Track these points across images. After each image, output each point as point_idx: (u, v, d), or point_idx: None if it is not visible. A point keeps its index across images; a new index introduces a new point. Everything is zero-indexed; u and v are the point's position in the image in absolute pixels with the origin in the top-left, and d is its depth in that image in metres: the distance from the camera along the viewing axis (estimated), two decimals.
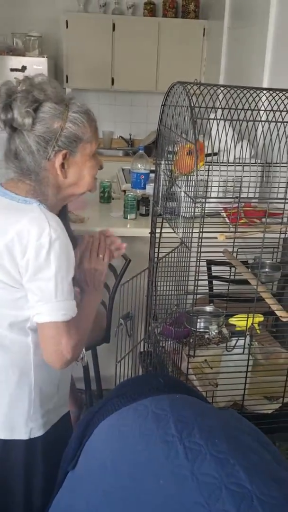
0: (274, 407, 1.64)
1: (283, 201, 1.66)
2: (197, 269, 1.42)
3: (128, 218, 2.68)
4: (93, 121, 1.34)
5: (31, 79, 1.28)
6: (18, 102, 1.23)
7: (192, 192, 1.36)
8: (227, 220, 2.61)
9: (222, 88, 1.43)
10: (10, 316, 1.30)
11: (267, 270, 1.98)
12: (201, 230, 1.38)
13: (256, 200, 2.11)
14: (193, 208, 1.40)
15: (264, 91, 1.43)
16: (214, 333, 1.43)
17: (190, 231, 1.38)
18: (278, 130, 1.44)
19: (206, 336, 1.48)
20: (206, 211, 1.88)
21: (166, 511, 0.83)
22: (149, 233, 1.90)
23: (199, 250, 1.40)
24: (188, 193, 1.40)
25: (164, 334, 1.88)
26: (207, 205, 1.40)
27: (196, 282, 1.43)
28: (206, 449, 0.89)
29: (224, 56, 4.20)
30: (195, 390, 1.14)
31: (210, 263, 2.22)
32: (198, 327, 1.49)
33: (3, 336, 1.32)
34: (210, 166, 1.42)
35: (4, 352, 1.33)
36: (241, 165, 1.38)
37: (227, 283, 2.01)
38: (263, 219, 2.55)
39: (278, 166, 1.66)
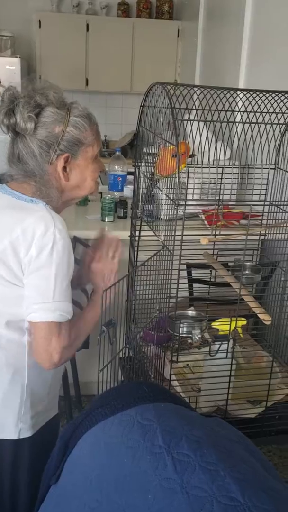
0: (258, 411, 1.62)
1: (263, 203, 1.65)
2: (179, 273, 1.39)
3: (106, 220, 2.64)
4: (94, 124, 1.36)
5: (33, 84, 1.30)
6: (21, 107, 1.25)
7: (174, 195, 1.34)
8: (205, 222, 2.61)
9: (202, 89, 1.41)
10: (8, 314, 1.30)
11: (247, 272, 1.97)
12: (182, 234, 1.36)
13: (235, 203, 2.10)
14: (174, 211, 1.37)
15: (244, 92, 1.41)
16: (197, 338, 1.41)
17: (172, 234, 1.35)
18: (258, 130, 1.42)
19: (189, 341, 1.46)
20: (158, 215, 1.86)
21: None
22: (129, 236, 1.87)
23: (181, 254, 1.37)
24: (169, 195, 1.38)
25: (145, 339, 1.85)
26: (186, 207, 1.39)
27: (177, 285, 1.40)
28: (195, 460, 0.86)
29: (199, 57, 4.20)
30: (181, 398, 1.11)
31: (190, 266, 2.20)
32: (180, 332, 1.47)
33: None
34: (192, 168, 1.39)
35: None
36: (222, 167, 1.36)
37: (208, 286, 1.99)
38: (242, 221, 2.55)
39: (260, 168, 1.65)
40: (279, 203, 1.59)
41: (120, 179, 2.84)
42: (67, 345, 1.30)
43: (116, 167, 2.86)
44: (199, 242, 1.50)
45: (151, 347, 1.79)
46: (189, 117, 1.34)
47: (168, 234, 1.41)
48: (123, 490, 0.88)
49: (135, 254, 1.95)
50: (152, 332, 1.82)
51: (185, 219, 1.59)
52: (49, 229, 1.23)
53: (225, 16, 3.54)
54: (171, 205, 1.41)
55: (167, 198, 1.39)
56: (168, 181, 1.42)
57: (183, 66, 4.95)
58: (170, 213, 1.40)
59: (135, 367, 1.80)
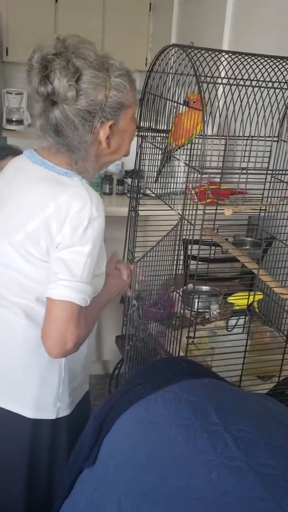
0: (269, 387, 1.60)
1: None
2: (199, 247, 1.34)
3: None
4: (133, 82, 1.23)
5: (63, 42, 1.14)
6: (58, 74, 1.10)
7: (198, 163, 1.27)
8: (195, 197, 2.56)
9: (224, 54, 1.34)
10: (38, 291, 1.20)
11: (248, 247, 1.94)
12: (205, 203, 1.31)
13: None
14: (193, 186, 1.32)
15: (273, 59, 1.36)
16: (215, 313, 1.36)
17: (195, 207, 1.29)
18: (269, 100, 1.38)
19: (207, 316, 1.41)
20: (170, 189, 1.81)
21: (224, 508, 0.75)
22: (131, 211, 1.80)
23: (202, 225, 1.32)
24: (191, 165, 1.31)
25: (147, 316, 1.79)
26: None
27: (197, 260, 1.35)
28: (258, 436, 0.82)
29: (175, 31, 4.11)
30: (219, 375, 1.07)
31: (188, 242, 2.15)
32: (197, 307, 1.42)
33: (32, 310, 1.22)
34: (212, 139, 1.33)
35: (36, 325, 1.22)
36: (247, 139, 1.31)
37: (206, 263, 1.95)
38: (234, 196, 2.51)
39: (263, 140, 1.60)
40: None
41: None
42: (84, 334, 1.21)
43: None
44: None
45: (153, 324, 1.74)
46: (212, 80, 1.27)
47: (189, 208, 1.35)
48: (181, 471, 0.82)
49: (136, 230, 1.89)
50: (153, 309, 1.77)
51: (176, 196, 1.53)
52: (86, 205, 1.12)
53: None
54: (190, 176, 1.34)
55: (188, 167, 1.32)
56: (188, 152, 1.35)
57: (155, 41, 4.84)
58: (189, 185, 1.34)
59: (138, 345, 1.75)
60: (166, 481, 0.83)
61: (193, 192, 2.61)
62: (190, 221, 1.30)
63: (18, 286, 1.22)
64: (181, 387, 0.95)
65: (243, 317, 1.40)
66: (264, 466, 0.77)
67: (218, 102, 1.31)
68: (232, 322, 1.43)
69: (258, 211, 1.75)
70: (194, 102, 1.34)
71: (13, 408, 1.28)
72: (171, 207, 1.48)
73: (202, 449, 0.82)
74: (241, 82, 1.32)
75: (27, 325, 1.23)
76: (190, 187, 2.70)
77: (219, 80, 1.26)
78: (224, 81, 1.32)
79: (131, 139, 1.28)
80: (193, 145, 1.43)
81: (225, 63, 1.36)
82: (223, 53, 1.34)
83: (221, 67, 1.34)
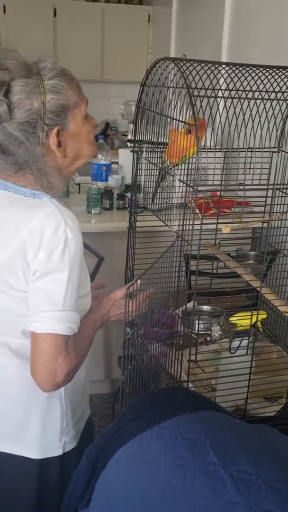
0: (276, 409, 1.53)
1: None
2: (197, 264, 1.29)
3: (92, 212, 2.50)
4: (73, 79, 1.16)
5: None
6: None
7: (192, 180, 1.22)
8: (197, 210, 2.51)
9: (217, 65, 1.30)
10: (22, 324, 1.13)
11: (251, 262, 1.88)
12: (202, 222, 1.25)
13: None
14: (193, 198, 1.26)
15: (269, 69, 1.31)
16: (217, 335, 1.30)
17: (189, 223, 1.24)
18: (272, 109, 1.32)
19: (208, 338, 1.35)
20: (169, 203, 1.75)
21: None
22: (128, 227, 1.74)
23: (200, 243, 1.26)
24: (186, 181, 1.26)
25: (147, 336, 1.73)
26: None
27: (196, 278, 1.30)
28: (259, 478, 0.75)
29: (174, 42, 4.08)
30: (219, 405, 1.00)
31: (190, 257, 2.09)
32: (198, 328, 1.36)
33: (22, 346, 1.15)
34: (207, 153, 1.28)
35: (29, 362, 1.14)
36: (245, 151, 1.26)
37: (209, 278, 1.89)
38: (233, 209, 2.46)
39: (261, 151, 1.55)
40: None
41: (104, 168, 2.70)
42: (75, 364, 1.13)
43: (99, 156, 2.72)
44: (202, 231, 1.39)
45: (155, 345, 1.68)
46: (206, 93, 1.22)
47: (184, 223, 1.30)
48: None
49: (134, 247, 1.84)
50: (155, 329, 1.71)
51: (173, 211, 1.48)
52: (59, 227, 1.06)
53: None
54: (186, 192, 1.29)
55: (182, 183, 1.27)
56: (183, 166, 1.30)
57: (155, 53, 4.81)
58: (185, 200, 1.29)
59: (139, 367, 1.69)
60: None
61: (193, 204, 2.56)
62: (184, 237, 1.25)
63: (2, 324, 1.16)
64: (178, 422, 0.88)
65: (247, 338, 1.34)
66: None
67: (214, 116, 1.26)
68: (235, 343, 1.37)
69: (261, 224, 1.68)
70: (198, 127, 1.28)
71: (17, 452, 1.21)
72: (166, 224, 1.42)
73: (199, 493, 0.76)
74: (237, 95, 1.27)
75: (19, 364, 1.16)
76: (190, 199, 2.66)
77: (213, 94, 1.21)
78: (219, 93, 1.27)
79: (90, 140, 1.21)
80: (189, 159, 1.38)
81: (221, 75, 1.32)
82: (217, 65, 1.29)
83: (215, 80, 1.29)
